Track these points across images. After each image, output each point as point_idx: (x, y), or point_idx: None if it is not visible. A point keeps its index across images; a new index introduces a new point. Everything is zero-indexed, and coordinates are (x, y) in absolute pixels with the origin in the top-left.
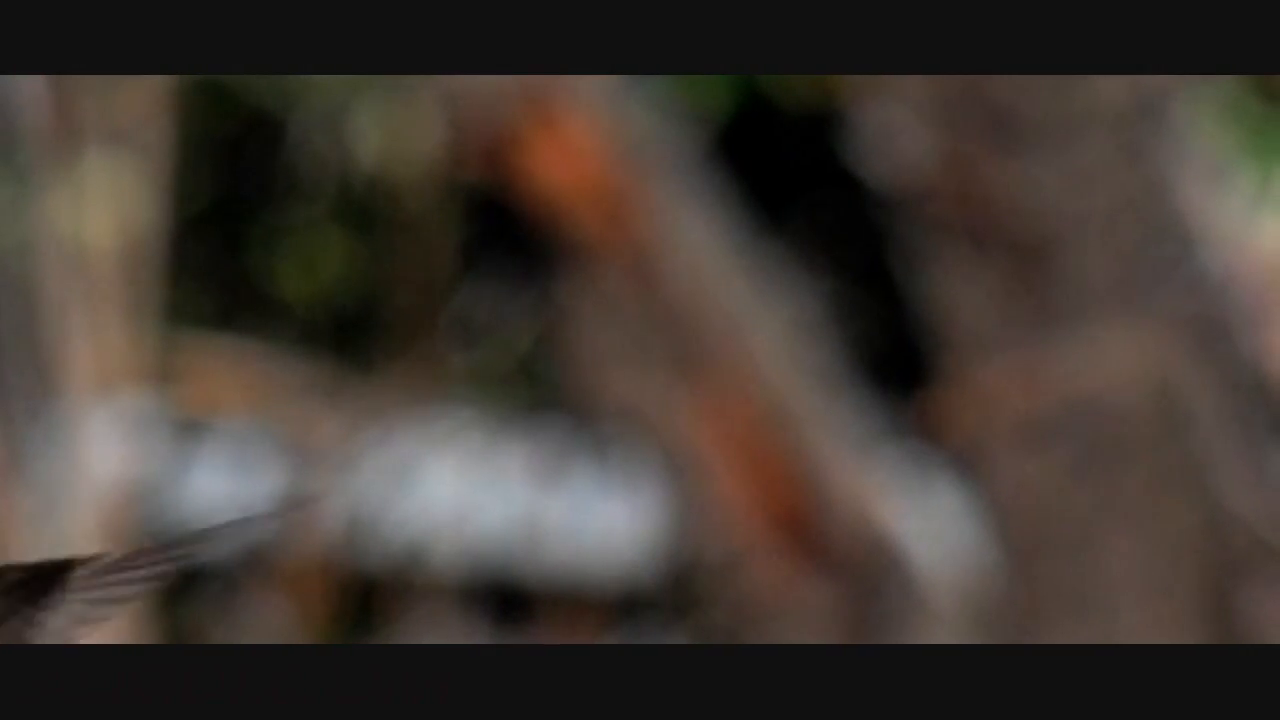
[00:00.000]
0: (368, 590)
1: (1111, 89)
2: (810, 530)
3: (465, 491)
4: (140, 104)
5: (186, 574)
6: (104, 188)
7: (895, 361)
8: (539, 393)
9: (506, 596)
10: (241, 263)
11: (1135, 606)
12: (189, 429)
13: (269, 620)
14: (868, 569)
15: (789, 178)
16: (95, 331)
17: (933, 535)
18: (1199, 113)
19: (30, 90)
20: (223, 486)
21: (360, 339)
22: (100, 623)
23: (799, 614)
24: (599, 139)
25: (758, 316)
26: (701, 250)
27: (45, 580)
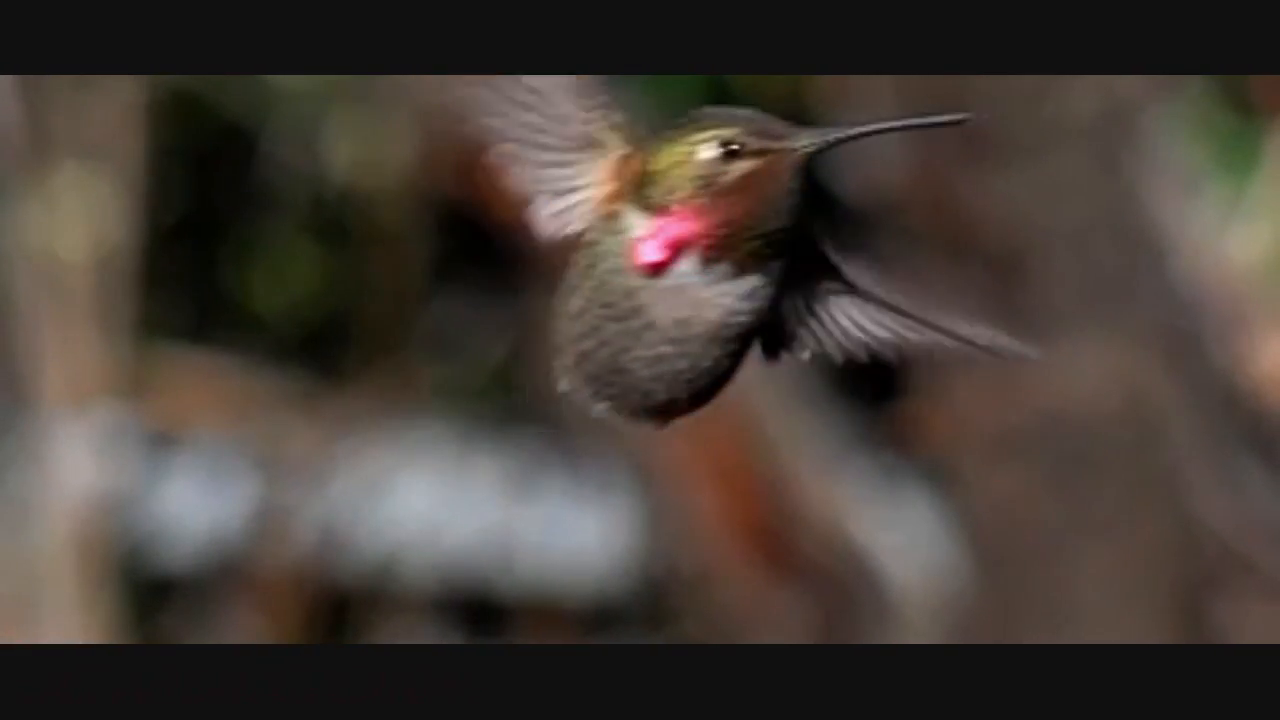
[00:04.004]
0: (340, 603)
1: (1084, 102)
2: (783, 543)
3: (438, 504)
4: (112, 117)
5: (159, 586)
6: (76, 201)
7: (868, 374)
8: (512, 405)
9: (479, 609)
10: (214, 275)
11: (1108, 618)
12: (162, 442)
13: (241, 632)
14: (841, 581)
15: None
16: (68, 345)
17: (906, 548)
18: (1171, 125)
19: (1, 102)
20: (196, 499)
21: (333, 352)
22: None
23: (772, 626)
24: None
25: None
26: None
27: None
